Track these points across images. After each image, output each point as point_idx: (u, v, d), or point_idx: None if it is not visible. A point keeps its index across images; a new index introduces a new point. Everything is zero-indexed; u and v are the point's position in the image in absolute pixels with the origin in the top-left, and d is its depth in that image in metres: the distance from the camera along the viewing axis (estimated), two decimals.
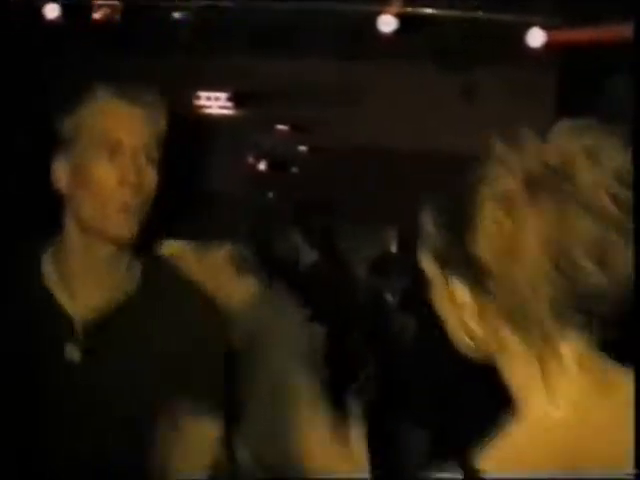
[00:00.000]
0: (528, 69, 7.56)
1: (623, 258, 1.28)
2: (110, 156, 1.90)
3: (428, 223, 1.47)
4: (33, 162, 2.02)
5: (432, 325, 1.46)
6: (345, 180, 9.79)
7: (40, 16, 7.09)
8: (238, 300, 2.72)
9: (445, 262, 1.41)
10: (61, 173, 1.94)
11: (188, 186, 7.53)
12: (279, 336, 2.62)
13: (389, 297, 6.59)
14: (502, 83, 8.00)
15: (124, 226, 1.91)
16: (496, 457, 1.29)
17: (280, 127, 10.40)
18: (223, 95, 9.11)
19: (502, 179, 1.33)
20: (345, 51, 7.76)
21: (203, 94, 9.07)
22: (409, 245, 9.63)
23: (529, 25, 7.03)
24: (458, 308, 1.38)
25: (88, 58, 7.03)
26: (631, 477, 1.32)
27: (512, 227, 1.29)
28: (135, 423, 1.95)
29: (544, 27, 7.00)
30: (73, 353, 1.93)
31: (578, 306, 1.29)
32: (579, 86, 7.26)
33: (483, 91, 8.18)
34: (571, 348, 1.32)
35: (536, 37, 7.00)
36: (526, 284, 1.28)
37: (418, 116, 8.77)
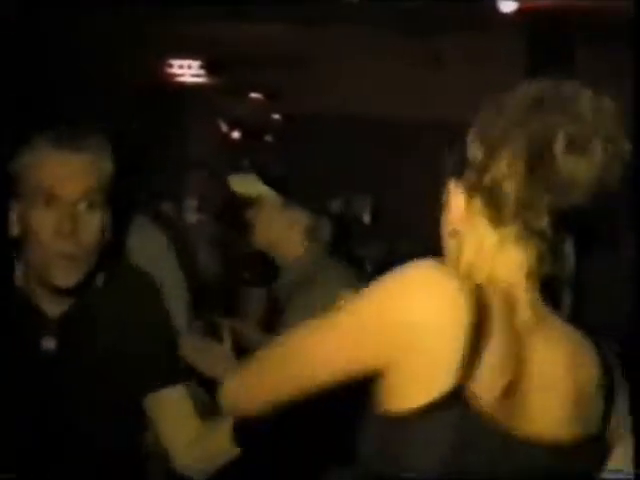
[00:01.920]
0: (499, 36, 7.57)
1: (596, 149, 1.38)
2: (45, 206, 1.90)
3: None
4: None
5: None
6: (318, 148, 9.81)
7: None
8: (291, 253, 3.01)
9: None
10: (13, 219, 1.97)
11: (162, 155, 7.52)
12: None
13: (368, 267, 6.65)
14: (472, 49, 8.01)
15: (65, 276, 1.94)
16: None
17: (254, 95, 10.38)
18: (195, 63, 9.08)
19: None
20: (315, 17, 7.74)
21: (176, 62, 9.04)
22: (382, 214, 9.69)
23: None
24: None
25: (56, 22, 6.98)
26: (631, 477, 1.36)
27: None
28: (111, 406, 2.05)
29: None
30: (49, 343, 2.00)
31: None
32: (549, 53, 7.29)
33: (452, 57, 8.19)
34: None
35: (508, 4, 7.02)
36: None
37: (388, 82, 8.77)
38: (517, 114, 1.43)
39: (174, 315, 3.51)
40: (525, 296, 1.45)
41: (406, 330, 1.35)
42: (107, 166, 1.95)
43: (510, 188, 1.39)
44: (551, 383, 1.40)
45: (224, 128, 11.48)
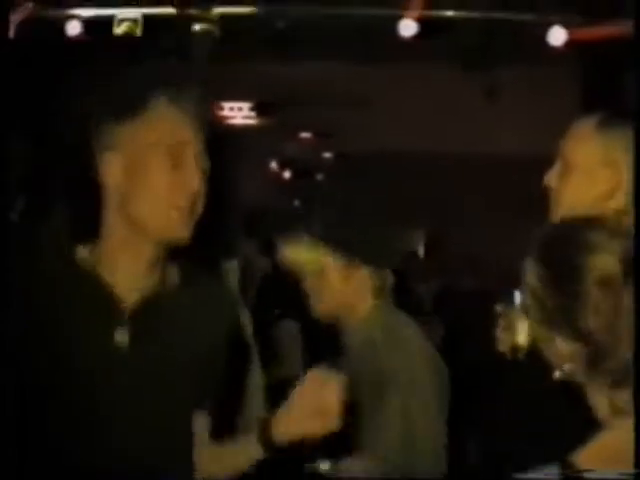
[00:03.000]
0: (550, 67, 7.54)
1: None
2: (169, 160, 1.94)
3: (531, 274, 1.68)
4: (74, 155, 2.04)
5: (461, 333, 1.60)
6: (370, 185, 9.79)
7: (62, 33, 7.14)
8: (360, 314, 2.82)
9: (543, 311, 1.66)
10: (114, 169, 1.95)
11: (215, 197, 7.53)
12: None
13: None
14: (524, 82, 7.98)
15: (180, 227, 1.94)
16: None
17: (304, 135, 10.42)
18: (246, 105, 9.14)
19: (605, 264, 1.60)
20: (365, 56, 7.76)
21: (226, 105, 9.10)
22: (436, 248, 9.63)
23: (550, 24, 7.02)
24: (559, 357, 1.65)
25: (110, 72, 7.07)
26: (631, 477, 1.32)
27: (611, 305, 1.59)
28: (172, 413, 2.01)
29: (564, 25, 6.99)
30: (122, 336, 1.95)
31: None
32: (601, 82, 7.24)
33: (506, 91, 8.16)
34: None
35: (557, 35, 6.99)
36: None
37: (442, 118, 8.76)
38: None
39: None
40: None
41: None
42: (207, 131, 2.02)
43: None
44: None
45: (275, 168, 11.53)
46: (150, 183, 1.93)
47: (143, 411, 1.97)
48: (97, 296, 1.95)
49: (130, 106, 1.96)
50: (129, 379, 1.95)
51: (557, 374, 1.65)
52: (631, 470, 1.34)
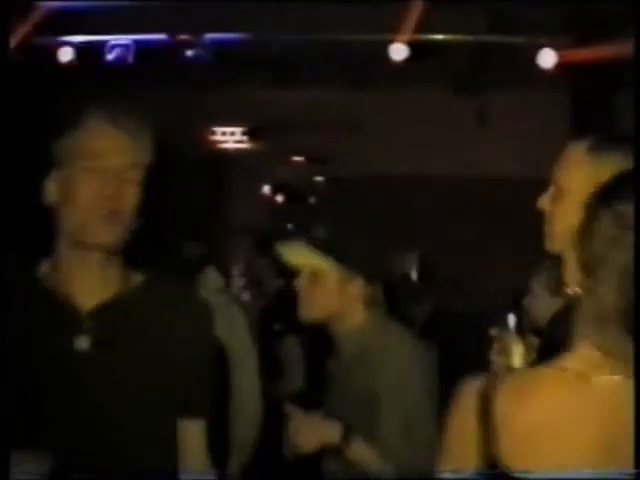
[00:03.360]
0: (540, 90, 7.58)
1: None
2: (93, 172, 2.04)
3: (540, 286, 1.65)
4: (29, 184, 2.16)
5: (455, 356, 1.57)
6: (362, 208, 9.81)
7: (55, 59, 7.16)
8: (351, 323, 2.86)
9: None
10: (51, 189, 2.08)
11: (207, 220, 7.56)
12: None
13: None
14: (515, 105, 8.02)
15: (105, 233, 2.03)
16: None
17: (296, 159, 10.44)
18: (238, 130, 9.16)
19: None
20: (357, 80, 7.79)
21: (219, 129, 9.13)
22: (429, 271, 9.64)
23: (540, 46, 7.05)
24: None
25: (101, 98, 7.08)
26: (631, 477, 1.32)
27: None
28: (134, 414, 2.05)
29: (555, 47, 7.02)
30: (82, 342, 2.03)
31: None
32: (591, 104, 7.27)
33: (497, 114, 8.20)
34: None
35: (547, 58, 7.02)
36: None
37: (433, 141, 8.79)
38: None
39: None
40: None
41: None
42: (146, 151, 2.10)
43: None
44: None
45: (268, 191, 11.55)
46: (77, 195, 2.05)
47: (109, 415, 2.02)
48: (57, 308, 2.06)
49: (64, 125, 2.09)
50: (93, 383, 2.02)
51: None
52: (631, 470, 1.34)
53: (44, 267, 2.12)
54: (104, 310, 2.06)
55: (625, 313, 1.39)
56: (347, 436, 2.70)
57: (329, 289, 2.87)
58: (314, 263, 2.87)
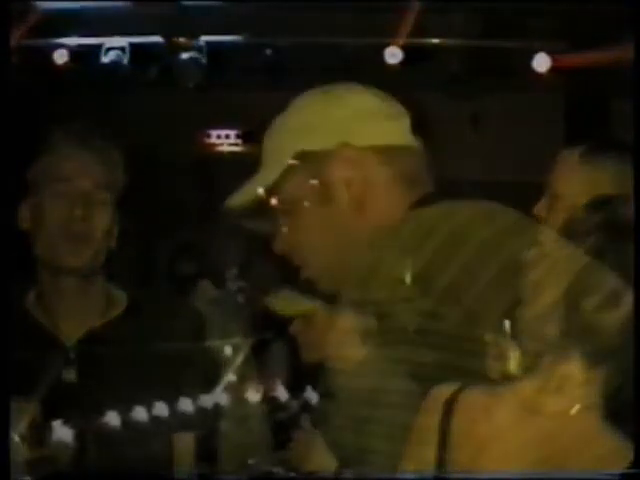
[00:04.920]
0: (535, 94, 7.58)
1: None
2: (61, 195, 2.05)
3: None
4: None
5: None
6: None
7: (50, 61, 7.15)
8: (349, 362, 2.82)
9: None
10: (24, 213, 2.10)
11: (202, 223, 7.56)
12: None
13: None
14: (509, 109, 8.02)
15: (74, 256, 2.03)
16: None
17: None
18: (233, 133, 9.15)
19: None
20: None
21: (213, 132, 9.12)
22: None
23: (534, 51, 7.06)
24: None
25: (97, 102, 7.10)
26: (616, 477, 1.33)
27: None
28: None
29: (549, 52, 7.02)
30: (69, 375, 2.05)
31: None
32: (585, 109, 7.28)
33: (490, 118, 8.20)
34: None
35: (542, 62, 7.03)
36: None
37: (427, 145, 8.78)
38: None
39: None
40: None
41: None
42: (114, 169, 2.10)
43: None
44: None
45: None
46: (44, 218, 2.05)
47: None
48: (43, 340, 2.07)
49: (35, 148, 2.10)
50: (82, 411, 1.99)
51: None
52: (631, 470, 1.34)
53: (31, 296, 2.11)
54: (89, 340, 2.05)
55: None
56: None
57: (323, 331, 2.83)
58: (306, 309, 2.84)
